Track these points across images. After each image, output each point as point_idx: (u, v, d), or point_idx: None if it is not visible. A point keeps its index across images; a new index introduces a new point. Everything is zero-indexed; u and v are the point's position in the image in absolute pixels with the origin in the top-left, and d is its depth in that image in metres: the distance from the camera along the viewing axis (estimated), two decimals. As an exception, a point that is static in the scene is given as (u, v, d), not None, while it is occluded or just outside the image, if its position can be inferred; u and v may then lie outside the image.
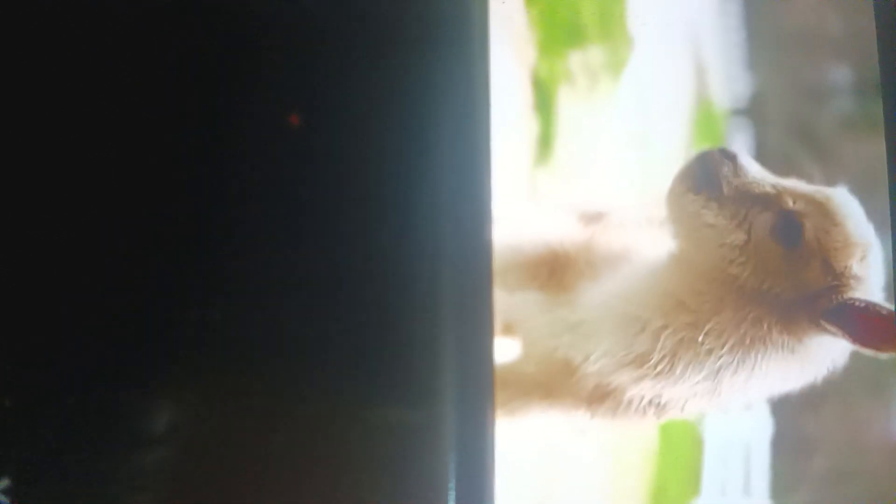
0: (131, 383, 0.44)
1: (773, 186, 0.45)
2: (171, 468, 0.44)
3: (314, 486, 0.44)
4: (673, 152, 0.66)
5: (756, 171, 0.45)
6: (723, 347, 0.44)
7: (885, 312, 0.40)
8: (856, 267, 0.42)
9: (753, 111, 0.72)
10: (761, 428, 0.60)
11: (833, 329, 0.42)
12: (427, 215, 0.45)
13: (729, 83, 0.69)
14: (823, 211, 0.44)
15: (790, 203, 0.44)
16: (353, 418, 0.44)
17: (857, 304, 0.41)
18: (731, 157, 0.45)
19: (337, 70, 0.45)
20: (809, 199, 0.45)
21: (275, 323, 0.45)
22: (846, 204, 0.45)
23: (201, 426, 0.44)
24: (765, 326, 0.43)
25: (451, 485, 0.44)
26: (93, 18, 0.45)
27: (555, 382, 0.51)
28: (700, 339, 0.44)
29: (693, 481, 0.57)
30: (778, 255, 0.42)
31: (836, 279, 0.42)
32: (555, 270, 0.53)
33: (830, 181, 0.62)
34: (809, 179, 0.55)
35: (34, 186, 0.45)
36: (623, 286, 0.50)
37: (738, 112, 0.75)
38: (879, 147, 0.72)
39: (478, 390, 0.45)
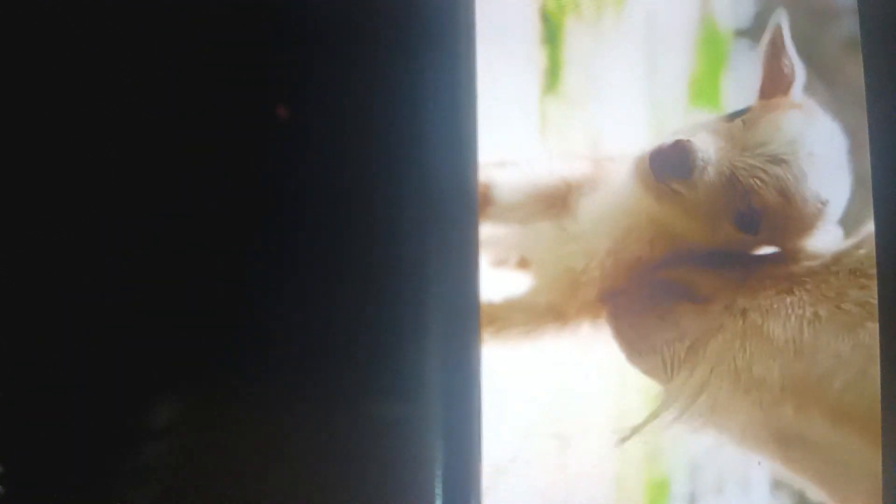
0: (124, 377, 0.44)
1: (729, 182, 0.46)
2: (163, 461, 0.44)
3: (303, 478, 0.44)
4: (678, 76, 0.65)
5: (715, 168, 0.46)
6: None
7: None
8: (808, 245, 0.47)
9: (757, 31, 0.71)
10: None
11: None
12: (415, 209, 0.45)
13: (733, 3, 0.68)
14: (780, 209, 0.46)
15: (745, 205, 0.46)
16: (342, 409, 0.44)
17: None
18: (685, 160, 0.46)
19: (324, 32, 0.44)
20: (765, 202, 0.46)
21: (267, 316, 0.44)
22: (806, 191, 0.47)
23: (190, 420, 0.44)
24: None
25: (438, 477, 0.44)
26: (80, 15, 0.43)
27: (563, 300, 0.52)
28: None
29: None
30: (737, 238, 0.47)
31: (790, 253, 0.46)
32: (568, 201, 0.53)
33: (835, 99, 0.61)
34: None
35: (28, 183, 0.44)
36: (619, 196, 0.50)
37: (741, 32, 0.74)
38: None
39: (465, 381, 0.45)
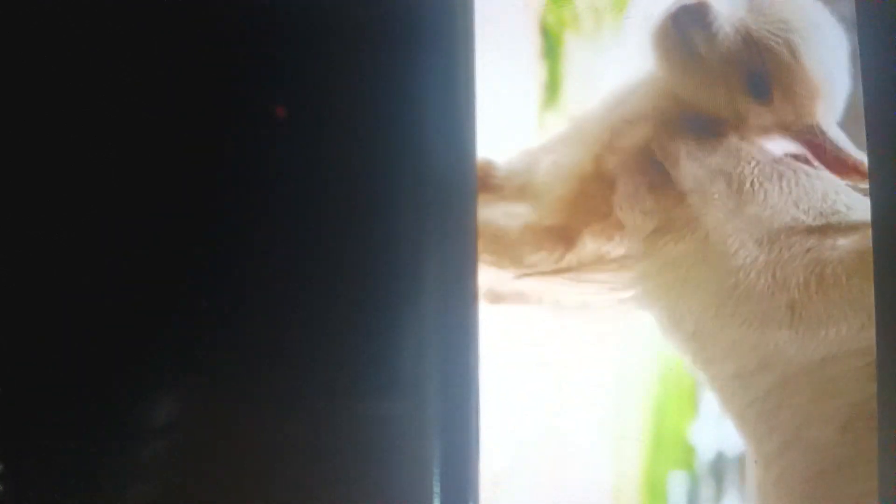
0: (123, 375, 0.44)
1: (744, 42, 0.47)
2: (162, 460, 0.44)
3: (301, 477, 0.45)
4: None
5: (729, 28, 0.47)
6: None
7: (838, 152, 0.47)
8: (820, 107, 0.47)
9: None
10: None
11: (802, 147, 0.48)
12: (413, 208, 0.45)
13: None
14: (787, 67, 0.47)
15: (759, 64, 0.47)
16: (339, 407, 0.44)
17: (818, 140, 0.47)
18: (700, 18, 0.47)
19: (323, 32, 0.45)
20: (773, 56, 0.47)
21: (263, 314, 0.45)
22: (810, 51, 0.48)
23: (186, 419, 0.44)
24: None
25: (436, 474, 0.45)
26: (79, 15, 0.44)
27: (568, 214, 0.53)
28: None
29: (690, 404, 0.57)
30: (752, 106, 0.48)
31: (805, 117, 0.47)
32: None
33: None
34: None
35: (27, 182, 0.44)
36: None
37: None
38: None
39: (462, 378, 0.45)
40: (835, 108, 0.48)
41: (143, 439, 0.44)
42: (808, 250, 0.47)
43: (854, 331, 0.46)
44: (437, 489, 0.44)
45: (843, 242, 0.47)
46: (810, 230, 0.47)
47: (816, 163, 0.48)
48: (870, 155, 0.46)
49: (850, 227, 0.47)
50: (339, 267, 0.45)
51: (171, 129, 0.44)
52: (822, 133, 0.47)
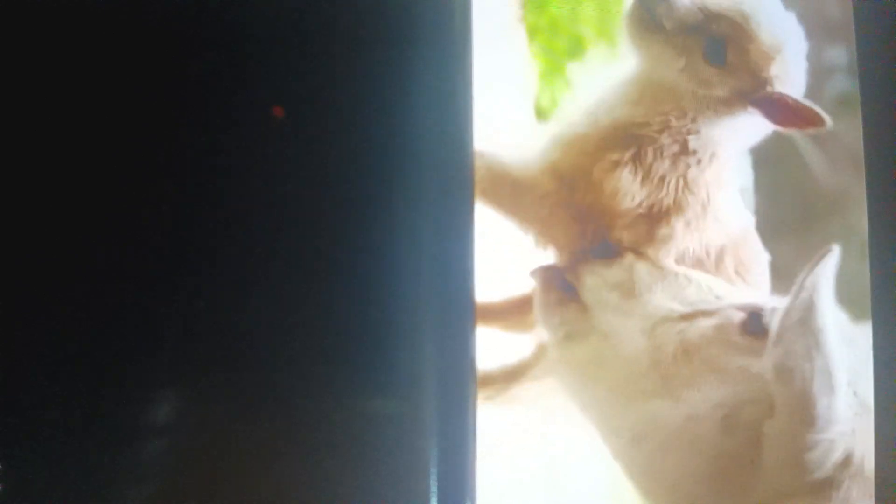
0: (121, 376, 0.44)
1: (701, 12, 0.53)
2: (160, 459, 0.44)
3: (299, 474, 0.44)
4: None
5: (688, 2, 0.53)
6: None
7: (791, 101, 0.53)
8: (774, 70, 0.53)
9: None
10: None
11: (758, 112, 0.53)
12: (410, 209, 0.46)
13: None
14: (740, 29, 0.53)
15: (713, 28, 0.52)
16: (337, 406, 0.44)
17: (773, 96, 0.52)
18: None
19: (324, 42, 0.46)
20: (728, 22, 0.53)
21: (262, 315, 0.45)
22: (761, 19, 0.53)
23: (185, 419, 0.44)
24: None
25: (433, 472, 0.44)
26: (79, 16, 0.45)
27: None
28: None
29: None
30: (712, 73, 0.53)
31: (760, 82, 0.52)
32: None
33: (826, 159, 0.65)
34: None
35: (27, 183, 0.45)
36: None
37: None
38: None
39: (459, 378, 0.45)
40: (788, 70, 0.54)
41: (142, 439, 0.44)
42: (679, 332, 0.54)
43: (713, 388, 0.53)
44: (434, 488, 0.44)
45: (707, 322, 0.54)
46: (683, 317, 0.54)
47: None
48: (867, 156, 0.49)
49: (715, 311, 0.54)
50: (336, 267, 0.45)
51: (174, 130, 0.45)
52: (780, 95, 0.52)
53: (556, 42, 0.65)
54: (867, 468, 0.52)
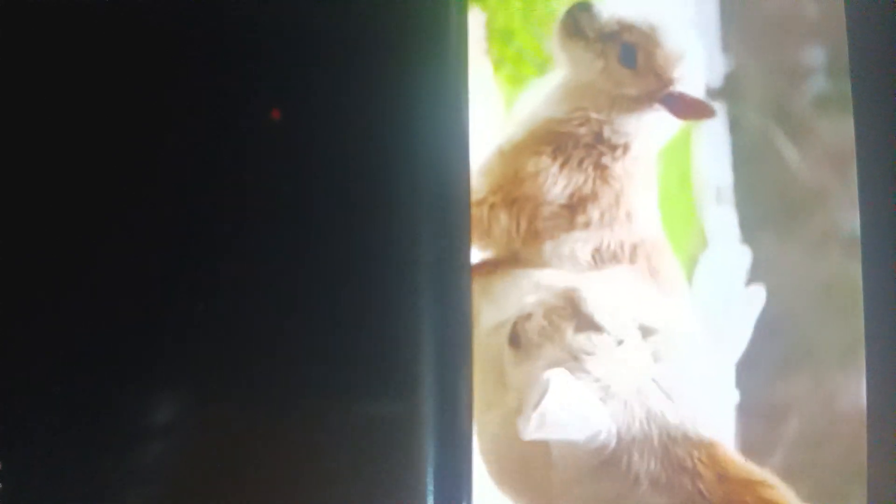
0: (119, 376, 0.45)
1: (618, 23, 0.59)
2: (157, 461, 0.45)
3: (294, 477, 0.45)
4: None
5: (608, 14, 0.59)
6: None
7: (688, 98, 0.58)
8: (676, 73, 0.58)
9: (729, 91, 0.75)
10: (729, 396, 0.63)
11: (663, 108, 0.58)
12: (408, 210, 0.47)
13: (705, 64, 0.73)
14: (649, 38, 0.58)
15: (627, 36, 0.58)
16: (333, 407, 0.45)
17: (675, 94, 0.58)
18: (588, 8, 0.59)
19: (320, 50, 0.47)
20: (639, 31, 0.59)
21: (257, 316, 0.46)
22: (666, 29, 0.59)
23: (180, 420, 0.45)
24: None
25: (430, 474, 0.45)
26: (75, 18, 0.46)
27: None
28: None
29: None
30: (625, 74, 0.58)
31: (665, 82, 0.58)
32: None
33: (806, 158, 0.68)
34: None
35: (27, 183, 0.45)
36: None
37: (713, 92, 0.78)
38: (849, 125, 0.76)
39: (456, 378, 0.46)
40: (691, 73, 0.59)
41: (140, 440, 0.44)
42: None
43: None
44: (430, 488, 0.45)
45: None
46: None
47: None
48: (858, 155, 0.51)
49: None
50: (331, 268, 0.46)
51: (168, 133, 0.45)
52: (680, 93, 0.58)
53: (522, 70, 0.73)
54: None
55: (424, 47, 0.47)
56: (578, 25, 0.59)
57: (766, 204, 0.77)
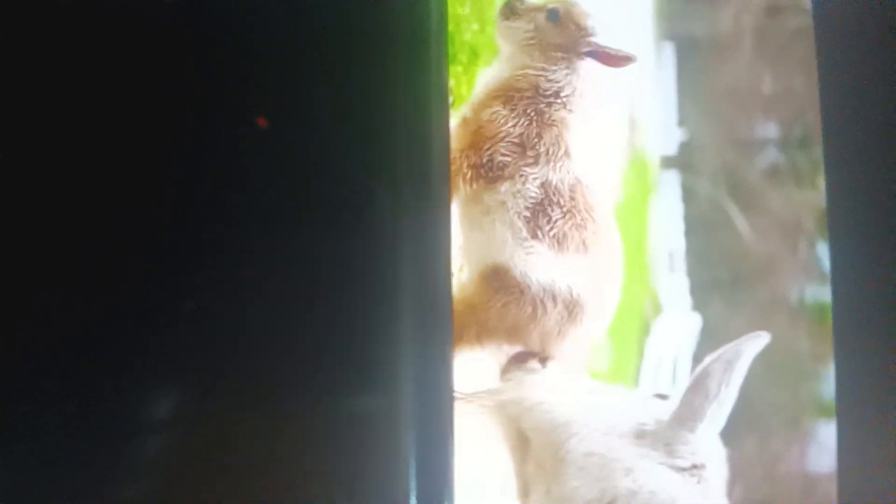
0: (117, 376, 0.45)
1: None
2: (148, 458, 0.44)
3: (280, 472, 0.45)
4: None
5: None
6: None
7: (611, 50, 0.67)
8: (590, 22, 0.67)
9: (683, 160, 0.77)
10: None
11: (590, 60, 0.68)
12: (387, 205, 0.47)
13: (661, 134, 0.75)
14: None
15: (550, 4, 0.68)
16: (316, 404, 0.45)
17: (598, 48, 0.67)
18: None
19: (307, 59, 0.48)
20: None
21: (245, 317, 0.46)
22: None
23: (176, 419, 0.45)
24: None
25: (412, 472, 0.45)
26: (71, 20, 0.45)
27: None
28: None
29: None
30: (551, 28, 0.68)
31: (583, 30, 0.67)
32: None
33: (756, 228, 0.69)
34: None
35: (26, 184, 0.45)
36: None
37: (668, 161, 0.79)
38: (803, 196, 0.78)
39: (437, 375, 0.46)
40: (601, 22, 0.69)
41: (136, 436, 0.44)
42: None
43: None
44: (413, 486, 0.44)
45: None
46: None
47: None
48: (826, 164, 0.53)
49: None
50: (316, 267, 0.45)
51: (162, 139, 0.45)
52: (603, 47, 0.67)
53: (475, 65, 0.85)
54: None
55: (405, 51, 0.48)
56: (514, 9, 0.70)
57: (716, 271, 0.78)
